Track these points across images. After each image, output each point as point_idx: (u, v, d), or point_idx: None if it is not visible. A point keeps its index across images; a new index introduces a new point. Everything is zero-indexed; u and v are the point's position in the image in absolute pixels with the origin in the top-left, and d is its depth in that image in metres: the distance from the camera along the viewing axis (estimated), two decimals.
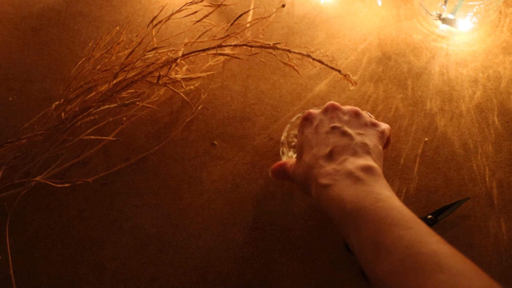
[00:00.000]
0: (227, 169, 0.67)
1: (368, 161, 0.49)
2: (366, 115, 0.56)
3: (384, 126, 0.56)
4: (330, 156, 0.50)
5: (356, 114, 0.55)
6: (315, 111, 0.57)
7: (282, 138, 0.65)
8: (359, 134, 0.52)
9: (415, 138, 0.68)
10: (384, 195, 0.45)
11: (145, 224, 0.64)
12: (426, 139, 0.68)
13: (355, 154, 0.50)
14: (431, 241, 0.40)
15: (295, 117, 0.65)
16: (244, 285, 0.61)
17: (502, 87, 0.70)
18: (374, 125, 0.55)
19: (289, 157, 0.64)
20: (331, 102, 0.56)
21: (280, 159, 0.64)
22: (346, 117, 0.55)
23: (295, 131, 0.65)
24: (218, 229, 0.64)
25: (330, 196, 0.47)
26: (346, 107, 0.56)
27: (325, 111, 0.56)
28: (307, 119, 0.56)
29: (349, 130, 0.53)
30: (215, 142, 0.68)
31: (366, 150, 0.51)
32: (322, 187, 0.48)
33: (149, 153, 0.68)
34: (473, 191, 0.65)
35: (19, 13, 0.77)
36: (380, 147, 0.53)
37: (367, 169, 0.48)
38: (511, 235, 0.62)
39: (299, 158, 0.55)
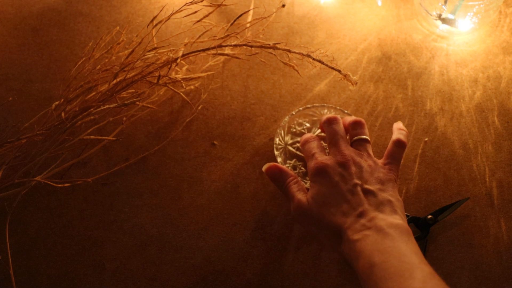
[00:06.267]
0: (227, 169, 0.67)
1: (396, 219, 0.53)
2: (379, 166, 0.58)
3: (394, 167, 0.59)
4: (360, 214, 0.53)
5: (371, 167, 0.58)
6: (327, 160, 0.57)
7: (276, 141, 0.65)
8: (380, 190, 0.56)
9: (415, 138, 0.68)
10: (410, 251, 0.50)
11: (145, 224, 0.64)
12: (426, 139, 0.68)
13: (382, 211, 0.54)
14: None
15: (285, 118, 0.66)
16: (244, 285, 0.61)
17: (502, 87, 0.70)
18: (389, 170, 0.58)
19: (286, 164, 0.64)
20: (345, 157, 0.58)
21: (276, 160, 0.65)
22: (362, 169, 0.57)
23: (288, 136, 0.66)
24: (218, 229, 0.64)
25: (360, 249, 0.51)
26: (354, 156, 0.58)
27: (340, 164, 0.57)
28: (324, 173, 0.57)
29: (371, 187, 0.56)
30: (215, 142, 0.68)
31: (392, 207, 0.55)
32: (353, 241, 0.52)
33: (149, 153, 0.68)
34: (473, 191, 0.65)
35: (19, 13, 0.77)
36: (399, 197, 0.57)
37: (396, 227, 0.52)
38: (511, 235, 0.62)
39: (318, 207, 0.56)
